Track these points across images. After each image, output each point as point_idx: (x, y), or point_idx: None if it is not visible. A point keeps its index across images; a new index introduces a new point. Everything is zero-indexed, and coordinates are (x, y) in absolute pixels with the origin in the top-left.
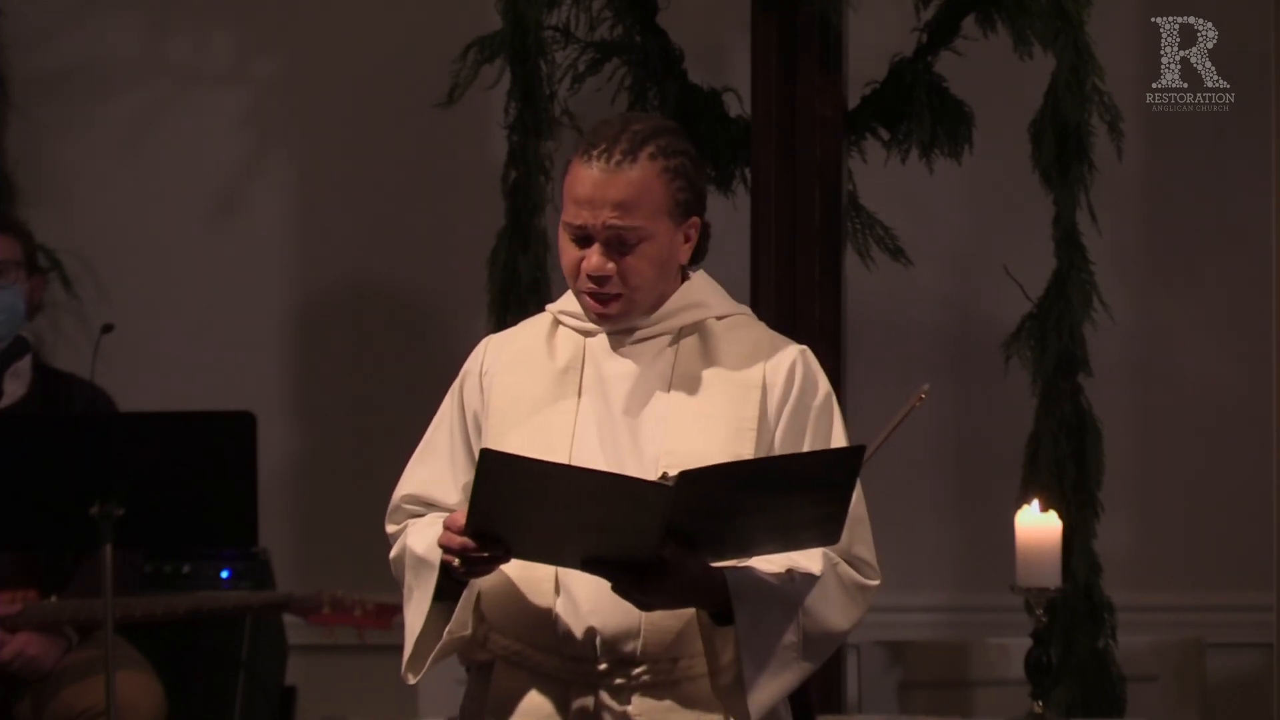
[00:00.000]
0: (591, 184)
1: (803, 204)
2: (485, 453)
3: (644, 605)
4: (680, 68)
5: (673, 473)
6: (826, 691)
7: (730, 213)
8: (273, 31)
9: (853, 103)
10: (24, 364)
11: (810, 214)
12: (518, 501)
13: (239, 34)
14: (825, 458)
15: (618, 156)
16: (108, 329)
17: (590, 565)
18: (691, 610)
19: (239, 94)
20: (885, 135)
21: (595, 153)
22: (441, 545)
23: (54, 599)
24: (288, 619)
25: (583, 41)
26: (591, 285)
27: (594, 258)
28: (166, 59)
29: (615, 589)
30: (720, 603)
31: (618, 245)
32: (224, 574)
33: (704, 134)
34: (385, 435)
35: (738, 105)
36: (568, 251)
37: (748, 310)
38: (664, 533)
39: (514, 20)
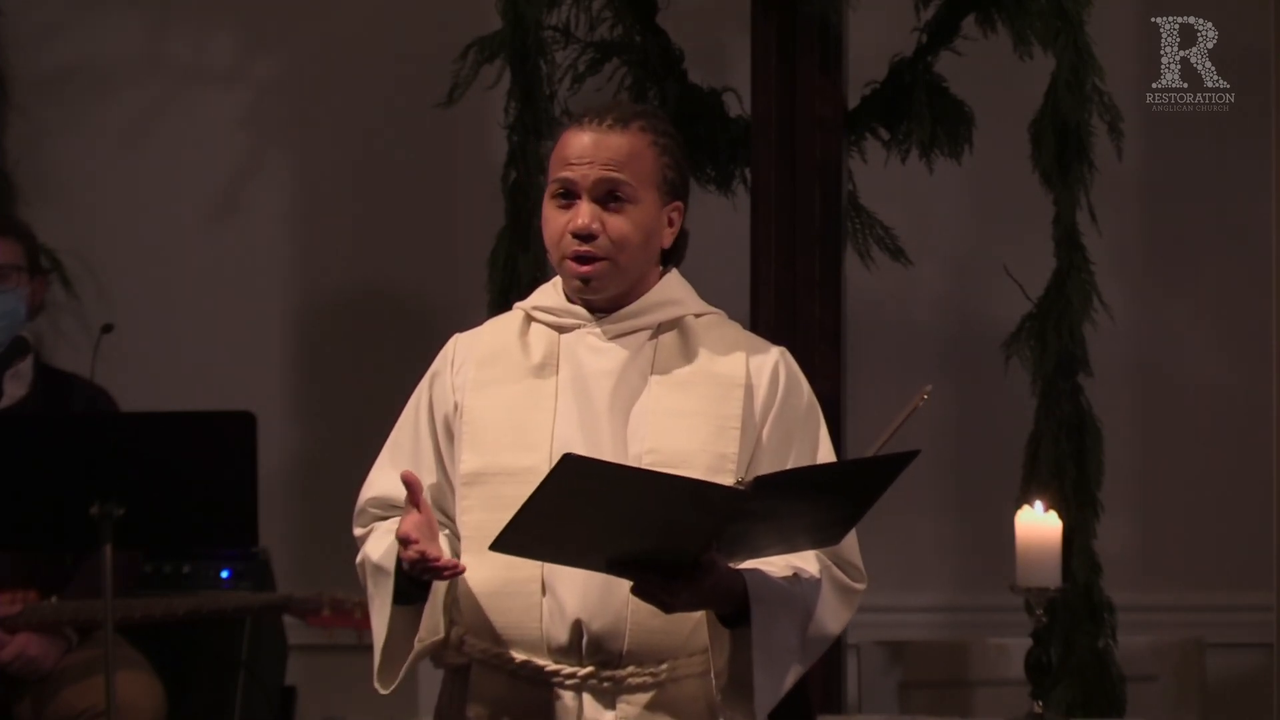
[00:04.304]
0: (583, 144)
1: (803, 204)
2: (568, 457)
3: (667, 606)
4: (680, 68)
5: (748, 478)
6: (826, 691)
7: (730, 213)
8: (273, 31)
9: (853, 103)
10: (25, 364)
11: (810, 214)
12: (580, 504)
13: (239, 34)
14: (881, 462)
15: (610, 121)
16: (108, 329)
17: (617, 566)
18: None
19: (239, 94)
20: (885, 135)
21: (587, 120)
22: (401, 545)
23: (54, 599)
24: (288, 619)
25: (583, 41)
26: (576, 245)
27: (582, 213)
28: (166, 59)
29: (637, 589)
30: (735, 605)
31: (605, 200)
32: (224, 574)
33: (704, 134)
34: (385, 436)
35: (738, 105)
36: (553, 219)
37: (722, 311)
38: (715, 537)
39: (514, 20)
